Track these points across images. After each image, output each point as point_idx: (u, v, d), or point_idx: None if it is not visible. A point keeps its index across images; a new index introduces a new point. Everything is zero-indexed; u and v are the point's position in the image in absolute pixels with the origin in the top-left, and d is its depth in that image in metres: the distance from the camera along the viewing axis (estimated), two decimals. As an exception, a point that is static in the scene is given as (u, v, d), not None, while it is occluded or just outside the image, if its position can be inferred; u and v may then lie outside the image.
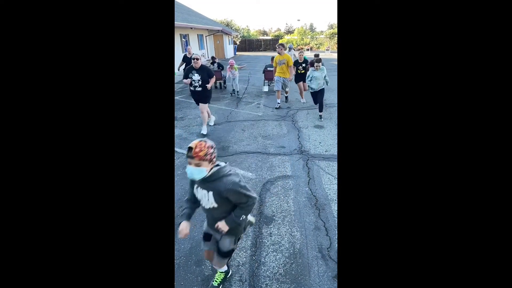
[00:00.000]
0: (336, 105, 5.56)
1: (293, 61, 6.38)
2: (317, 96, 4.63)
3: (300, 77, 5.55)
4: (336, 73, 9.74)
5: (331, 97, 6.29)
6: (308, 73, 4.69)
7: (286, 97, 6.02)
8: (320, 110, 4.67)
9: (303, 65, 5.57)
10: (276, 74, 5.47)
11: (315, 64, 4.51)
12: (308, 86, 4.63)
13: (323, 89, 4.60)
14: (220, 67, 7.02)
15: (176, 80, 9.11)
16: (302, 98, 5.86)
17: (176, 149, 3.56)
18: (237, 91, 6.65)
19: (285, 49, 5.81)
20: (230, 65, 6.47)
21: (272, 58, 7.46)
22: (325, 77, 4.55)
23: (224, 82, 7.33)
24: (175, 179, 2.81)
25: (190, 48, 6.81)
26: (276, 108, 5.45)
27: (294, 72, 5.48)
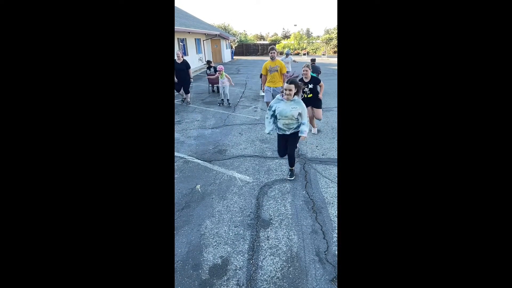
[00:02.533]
0: (333, 109, 5.60)
1: (287, 70, 5.87)
2: (287, 142, 2.65)
3: (307, 102, 3.51)
4: (333, 77, 9.88)
5: (327, 100, 6.35)
6: (271, 102, 2.60)
7: None
8: (291, 165, 2.79)
9: (310, 86, 3.76)
10: (267, 83, 4.50)
11: (285, 87, 2.45)
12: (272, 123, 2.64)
13: (296, 133, 2.58)
14: (217, 71, 7.03)
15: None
16: (314, 127, 4.20)
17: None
18: (228, 99, 6.02)
19: (281, 54, 5.47)
20: (218, 71, 5.77)
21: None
22: (299, 117, 2.51)
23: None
24: (172, 182, 2.80)
25: (179, 53, 5.81)
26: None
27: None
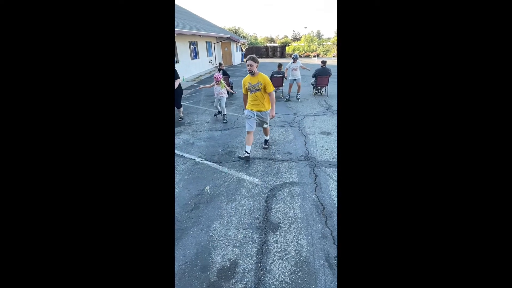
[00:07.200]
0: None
1: (294, 77, 5.05)
2: None
3: None
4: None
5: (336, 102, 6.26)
6: None
7: (266, 141, 3.73)
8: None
9: None
10: (247, 106, 3.25)
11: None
12: None
13: None
14: (226, 74, 7.05)
15: (184, 86, 9.25)
16: None
17: (183, 154, 3.60)
18: (224, 114, 5.01)
19: (290, 57, 4.50)
20: (216, 80, 4.78)
21: (279, 65, 7.39)
22: None
23: (232, 89, 7.33)
24: (183, 183, 2.83)
25: None
26: (239, 157, 3.33)
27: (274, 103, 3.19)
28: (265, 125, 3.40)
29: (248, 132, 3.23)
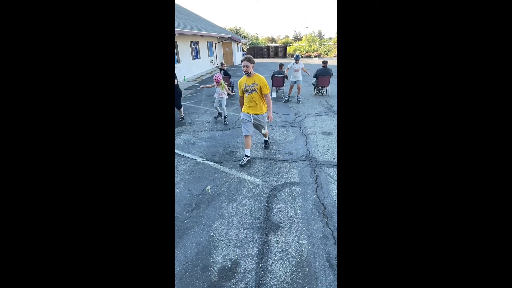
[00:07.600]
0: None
1: (295, 79, 4.96)
2: None
3: None
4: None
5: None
6: None
7: (266, 141, 3.69)
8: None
9: None
10: (243, 109, 3.10)
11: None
12: None
13: None
14: (227, 74, 7.03)
15: (185, 86, 9.27)
16: None
17: (184, 153, 3.60)
18: (225, 116, 4.97)
19: (291, 57, 4.64)
20: (216, 82, 4.73)
21: (281, 64, 7.40)
22: None
23: (233, 89, 7.32)
24: (184, 183, 2.84)
25: None
26: (241, 164, 3.18)
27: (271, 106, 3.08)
28: (263, 130, 3.29)
29: (246, 136, 3.14)
